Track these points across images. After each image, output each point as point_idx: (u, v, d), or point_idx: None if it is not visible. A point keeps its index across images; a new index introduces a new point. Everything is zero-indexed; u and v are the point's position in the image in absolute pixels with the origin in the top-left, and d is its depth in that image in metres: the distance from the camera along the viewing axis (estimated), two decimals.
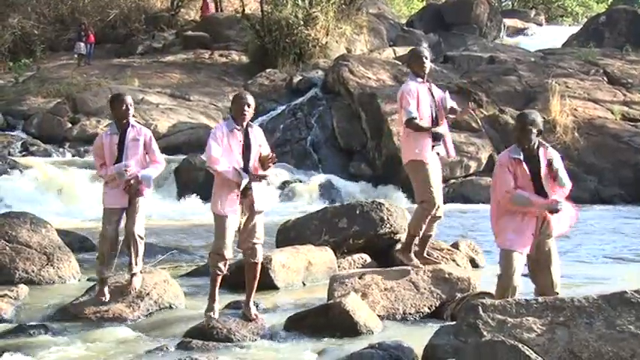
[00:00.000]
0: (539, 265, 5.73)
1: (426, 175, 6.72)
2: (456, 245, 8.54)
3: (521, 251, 5.58)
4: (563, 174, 5.65)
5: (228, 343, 5.82)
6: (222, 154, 6.03)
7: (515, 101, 20.04)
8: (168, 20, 34.08)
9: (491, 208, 5.86)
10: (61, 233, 9.05)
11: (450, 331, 4.79)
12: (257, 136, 6.22)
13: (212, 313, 6.19)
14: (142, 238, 6.72)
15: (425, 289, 6.76)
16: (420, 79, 6.86)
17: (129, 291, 6.72)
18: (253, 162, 6.11)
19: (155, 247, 10.07)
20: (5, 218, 8.41)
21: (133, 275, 6.75)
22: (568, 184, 5.68)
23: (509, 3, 49.19)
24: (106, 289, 6.72)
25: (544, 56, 24.51)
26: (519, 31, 38.48)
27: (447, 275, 6.87)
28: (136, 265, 6.72)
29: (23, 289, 7.38)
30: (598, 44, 26.68)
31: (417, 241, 6.95)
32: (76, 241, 9.63)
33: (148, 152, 6.74)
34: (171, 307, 6.87)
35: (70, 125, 22.66)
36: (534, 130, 5.63)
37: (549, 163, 5.60)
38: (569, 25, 40.89)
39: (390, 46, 30.59)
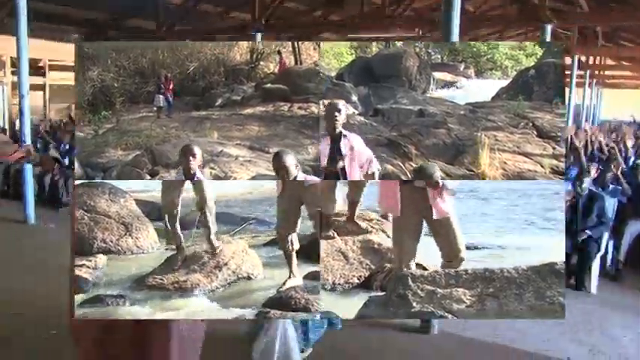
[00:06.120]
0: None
1: None
2: (385, 216, 8.09)
3: None
4: None
5: (306, 314, 5.73)
6: None
7: (444, 154, 19.60)
8: (248, 73, 34.19)
9: None
10: (140, 203, 9.00)
11: (379, 302, 4.80)
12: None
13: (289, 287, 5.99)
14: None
15: (354, 259, 6.59)
16: (328, 138, 6.50)
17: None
18: None
19: (234, 217, 10.01)
20: (84, 188, 8.43)
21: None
22: None
23: (439, 56, 49.88)
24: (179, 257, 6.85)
25: (473, 109, 24.20)
26: (449, 84, 38.72)
27: (376, 246, 6.69)
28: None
29: (101, 259, 7.41)
30: (527, 97, 26.72)
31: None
32: (155, 211, 9.29)
33: None
34: (249, 278, 6.77)
35: (148, 177, 22.28)
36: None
37: None
38: (499, 79, 41.27)
39: (319, 99, 30.54)
